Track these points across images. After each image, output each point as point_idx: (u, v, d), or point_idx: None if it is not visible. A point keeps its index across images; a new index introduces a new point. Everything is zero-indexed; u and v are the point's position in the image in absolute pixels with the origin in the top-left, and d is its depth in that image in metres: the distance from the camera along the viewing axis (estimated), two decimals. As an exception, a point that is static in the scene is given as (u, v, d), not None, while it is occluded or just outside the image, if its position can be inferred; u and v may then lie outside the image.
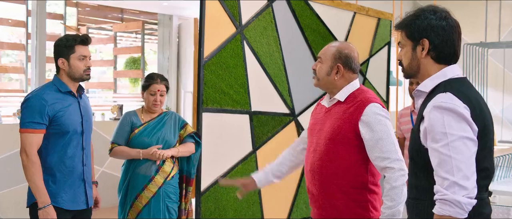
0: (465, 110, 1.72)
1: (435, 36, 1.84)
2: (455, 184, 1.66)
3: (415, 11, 1.90)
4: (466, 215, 1.68)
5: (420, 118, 1.82)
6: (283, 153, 2.73)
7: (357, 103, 2.34)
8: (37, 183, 2.62)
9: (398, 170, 2.22)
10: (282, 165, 2.69)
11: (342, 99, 2.40)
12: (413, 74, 1.94)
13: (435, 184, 1.76)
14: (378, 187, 2.42)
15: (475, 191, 1.69)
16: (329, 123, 2.39)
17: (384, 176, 2.28)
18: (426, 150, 1.78)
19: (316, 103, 2.65)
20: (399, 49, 1.99)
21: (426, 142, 1.78)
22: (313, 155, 2.45)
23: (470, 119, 1.72)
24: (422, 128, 1.80)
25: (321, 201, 2.42)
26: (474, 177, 1.70)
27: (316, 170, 2.41)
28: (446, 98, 1.74)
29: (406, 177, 2.22)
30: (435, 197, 1.70)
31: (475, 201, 1.69)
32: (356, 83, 2.45)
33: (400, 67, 2.00)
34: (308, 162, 2.49)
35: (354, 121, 2.31)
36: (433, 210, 1.71)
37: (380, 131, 2.26)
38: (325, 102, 2.50)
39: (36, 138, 2.64)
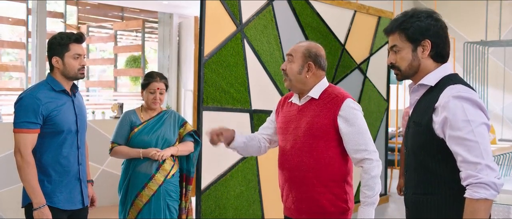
0: (480, 99, 1.82)
1: (435, 36, 1.92)
2: (487, 167, 1.72)
3: (411, 13, 1.96)
4: (496, 197, 1.75)
5: (431, 110, 1.86)
6: (257, 135, 2.72)
7: (332, 99, 2.41)
8: (31, 184, 2.58)
9: (375, 161, 2.34)
10: (255, 140, 2.68)
11: (316, 97, 2.45)
12: (411, 75, 1.99)
13: (450, 174, 1.83)
14: (352, 179, 2.51)
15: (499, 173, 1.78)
16: (306, 119, 2.43)
17: (361, 168, 2.37)
18: (442, 140, 1.83)
19: (280, 102, 2.66)
20: (392, 53, 2.01)
21: (442, 132, 1.82)
22: (290, 152, 2.48)
23: (485, 107, 1.82)
24: (437, 119, 1.84)
25: (302, 197, 2.45)
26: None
27: (294, 167, 2.45)
28: (462, 89, 1.82)
29: (381, 168, 2.35)
30: (468, 181, 1.74)
31: (503, 182, 1.76)
32: (325, 81, 2.52)
33: (392, 71, 2.06)
34: (284, 160, 2.51)
35: (333, 116, 2.37)
36: (465, 195, 1.74)
37: (358, 125, 2.36)
38: (296, 100, 2.53)
39: (31, 138, 2.60)
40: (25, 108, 2.59)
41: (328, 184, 2.39)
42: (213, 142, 2.53)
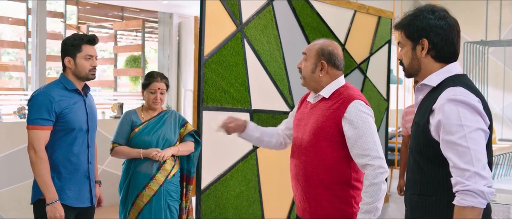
0: (478, 103, 1.76)
1: (434, 35, 1.86)
2: (476, 174, 1.68)
3: (414, 11, 1.93)
4: (485, 205, 1.70)
5: (429, 111, 1.83)
6: (272, 129, 2.76)
7: (341, 100, 2.36)
8: (45, 179, 2.64)
9: (377, 168, 2.22)
10: (270, 136, 2.72)
11: (326, 96, 2.42)
12: (414, 73, 1.96)
13: (445, 178, 1.79)
14: (361, 183, 2.41)
15: (492, 181, 1.73)
16: (314, 118, 2.42)
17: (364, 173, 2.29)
18: (437, 143, 1.79)
19: (302, 98, 2.68)
20: (400, 49, 2.02)
21: (437, 135, 1.79)
22: (298, 150, 2.47)
23: (483, 112, 1.76)
24: (433, 121, 1.81)
25: (305, 197, 2.43)
26: (488, 167, 1.74)
27: (301, 165, 2.44)
28: (460, 92, 1.77)
29: (386, 175, 2.25)
30: (456, 188, 1.71)
31: (494, 190, 1.71)
32: (341, 80, 2.47)
33: (401, 67, 2.04)
34: (293, 157, 2.51)
35: (338, 118, 2.32)
36: (454, 202, 1.72)
37: (362, 128, 2.27)
38: (311, 98, 2.53)
39: (44, 134, 2.66)
40: (39, 105, 2.65)
41: (330, 186, 2.35)
42: (227, 132, 2.61)
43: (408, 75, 2.00)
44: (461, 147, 1.70)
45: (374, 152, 2.24)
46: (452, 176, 1.74)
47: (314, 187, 2.38)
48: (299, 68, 2.51)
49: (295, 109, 2.70)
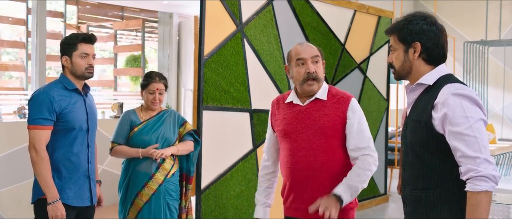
0: (477, 96, 1.90)
1: (426, 39, 1.99)
2: (485, 160, 1.80)
3: (406, 16, 2.06)
4: (494, 189, 1.82)
5: (431, 107, 1.92)
6: (261, 178, 2.74)
7: (338, 98, 2.45)
8: (46, 179, 2.65)
9: (375, 160, 2.39)
10: (270, 189, 2.74)
11: (324, 98, 2.46)
12: (404, 75, 2.08)
13: (449, 170, 1.90)
14: None
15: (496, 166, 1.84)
16: (314, 119, 2.43)
17: (357, 160, 2.41)
18: (442, 136, 1.89)
19: (273, 106, 2.62)
20: (389, 53, 2.15)
21: (442, 128, 1.89)
22: (301, 153, 2.44)
23: (481, 103, 1.90)
24: (436, 115, 1.90)
25: (313, 196, 2.39)
26: None
27: (306, 167, 2.43)
28: (460, 87, 1.90)
29: (375, 170, 2.39)
30: (469, 175, 1.80)
31: (500, 174, 1.83)
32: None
33: (391, 70, 2.18)
34: (294, 161, 2.46)
35: (343, 115, 2.42)
36: (467, 189, 1.81)
37: (363, 123, 2.43)
38: (297, 101, 2.50)
39: (45, 134, 2.67)
40: (39, 105, 2.67)
41: (338, 182, 2.38)
42: None
43: (398, 77, 2.12)
44: (468, 137, 1.81)
45: (372, 146, 2.41)
46: (460, 166, 1.84)
47: (324, 186, 2.40)
48: (314, 72, 2.42)
49: (271, 131, 2.64)
